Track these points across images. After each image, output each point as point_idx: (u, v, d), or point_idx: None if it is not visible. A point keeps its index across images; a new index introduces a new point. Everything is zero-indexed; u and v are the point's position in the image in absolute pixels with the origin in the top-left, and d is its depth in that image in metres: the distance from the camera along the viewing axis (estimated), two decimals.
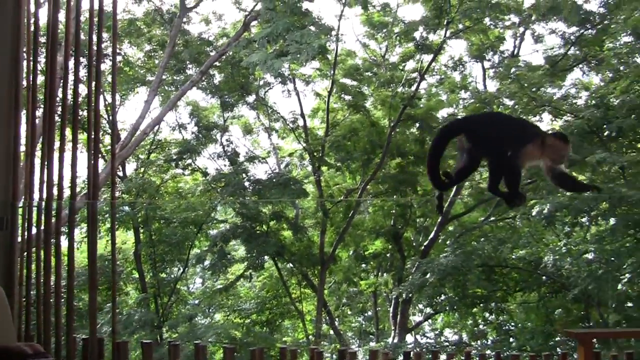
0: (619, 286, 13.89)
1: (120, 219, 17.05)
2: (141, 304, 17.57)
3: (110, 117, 16.49)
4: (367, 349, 4.99)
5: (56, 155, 5.70)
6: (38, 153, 5.81)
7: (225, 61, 19.02)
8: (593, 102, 16.00)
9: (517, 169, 4.56)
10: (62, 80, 6.45)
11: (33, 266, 5.71)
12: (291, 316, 20.42)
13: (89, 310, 5.98)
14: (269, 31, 16.39)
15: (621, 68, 16.24)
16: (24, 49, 5.73)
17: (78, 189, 5.84)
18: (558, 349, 15.62)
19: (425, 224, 19.96)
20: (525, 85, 16.52)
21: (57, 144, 5.72)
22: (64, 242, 5.94)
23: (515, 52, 18.98)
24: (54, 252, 5.76)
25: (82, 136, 11.48)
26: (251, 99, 19.88)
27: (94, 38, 5.96)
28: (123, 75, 18.72)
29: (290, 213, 19.18)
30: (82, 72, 6.88)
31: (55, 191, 5.67)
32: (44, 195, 5.68)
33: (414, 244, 19.82)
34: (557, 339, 16.03)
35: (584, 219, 15.34)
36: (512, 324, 18.54)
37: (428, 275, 15.59)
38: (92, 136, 5.84)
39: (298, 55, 16.19)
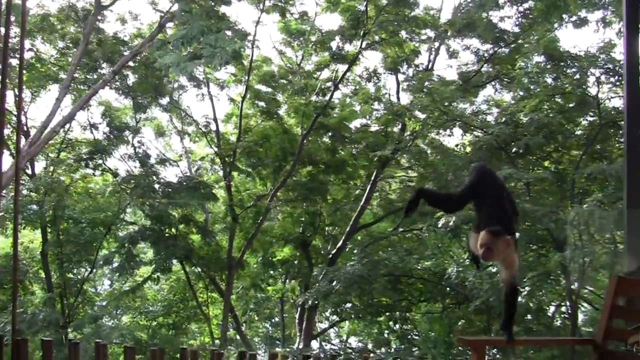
0: (519, 299, 14.18)
1: (27, 218, 16.89)
2: (46, 304, 17.36)
3: (16, 113, 16.28)
4: (269, 353, 5.05)
5: None
6: None
7: (139, 62, 18.87)
8: (503, 119, 16.31)
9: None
10: None
11: None
12: (198, 320, 20.41)
13: None
14: (184, 33, 16.27)
15: (531, 87, 16.54)
16: None
17: None
18: (458, 359, 15.93)
19: (333, 232, 20.10)
20: (438, 99, 16.75)
21: None
22: None
23: (430, 66, 19.23)
24: None
25: None
26: (165, 101, 19.76)
27: (1, 31, 5.94)
28: (35, 72, 18.49)
29: (200, 217, 19.17)
30: None
31: None
32: None
33: (322, 251, 19.94)
34: (460, 348, 16.28)
35: None
36: (416, 333, 18.77)
37: (334, 283, 15.72)
38: None
39: (212, 59, 16.14)
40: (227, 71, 19.29)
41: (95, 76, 18.73)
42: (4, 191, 16.16)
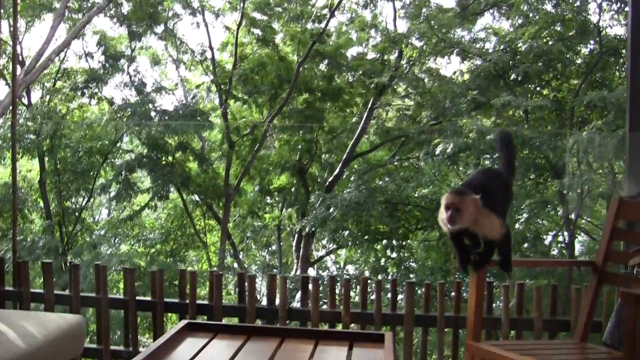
0: (517, 226, 14.24)
1: (25, 147, 16.88)
2: (45, 231, 17.45)
3: (12, 42, 16.20)
4: (268, 275, 5.09)
5: None
6: None
7: None
8: (501, 46, 16.22)
9: None
10: None
11: None
12: (195, 247, 20.48)
13: None
14: None
15: (531, 14, 16.42)
16: None
17: None
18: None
19: (330, 160, 20.09)
20: (435, 26, 16.65)
21: None
22: None
23: None
24: None
25: None
26: (160, 29, 19.61)
27: None
28: (29, 0, 18.34)
29: (196, 145, 19.15)
30: None
31: None
32: None
33: (319, 179, 19.94)
34: (456, 276, 16.37)
35: (487, 161, 15.60)
36: (413, 260, 18.83)
37: (331, 210, 15.75)
38: None
39: None
40: None
41: (89, 4, 18.58)
42: (0, 120, 16.17)
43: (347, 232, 17.59)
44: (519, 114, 16.05)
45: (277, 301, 5.58)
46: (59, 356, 4.13)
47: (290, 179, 19.77)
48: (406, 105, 19.43)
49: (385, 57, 18.82)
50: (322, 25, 18.66)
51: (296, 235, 18.64)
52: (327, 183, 18.46)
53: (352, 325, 5.43)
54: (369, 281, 5.88)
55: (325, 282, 12.73)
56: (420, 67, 18.01)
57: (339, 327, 5.39)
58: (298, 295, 14.92)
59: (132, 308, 5.69)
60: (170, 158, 18.02)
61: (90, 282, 12.76)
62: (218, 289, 5.59)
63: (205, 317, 5.59)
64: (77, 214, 18.74)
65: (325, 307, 5.69)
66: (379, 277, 18.12)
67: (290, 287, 14.94)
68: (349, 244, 18.66)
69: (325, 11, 18.88)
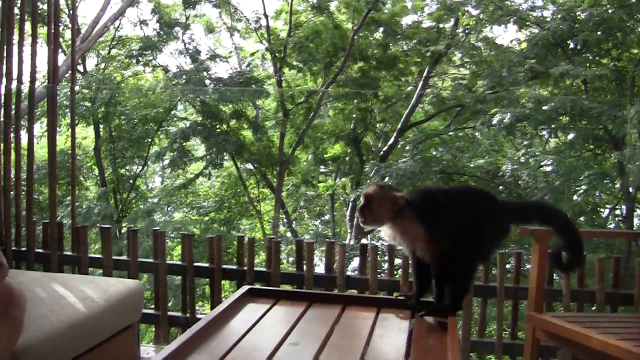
0: (575, 197, 14.05)
1: (80, 114, 16.95)
2: (100, 198, 17.57)
3: (70, 9, 16.25)
4: (326, 242, 5.06)
5: (15, 50, 5.68)
6: None
7: None
8: (560, 14, 15.96)
9: None
10: None
11: None
12: (249, 215, 20.49)
13: (49, 194, 6.03)
14: None
15: None
16: None
17: (38, 83, 5.80)
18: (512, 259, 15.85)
19: (385, 129, 20.00)
20: None
21: (16, 39, 5.69)
22: (24, 135, 5.95)
23: None
24: (14, 137, 5.77)
25: (42, 30, 11.41)
26: None
27: None
28: None
29: (251, 113, 19.14)
30: None
31: (15, 77, 5.66)
32: (4, 81, 5.67)
33: (373, 149, 19.86)
34: (512, 246, 16.22)
35: (543, 132, 15.42)
36: None
37: (386, 180, 15.65)
38: (52, 21, 5.78)
39: None
40: None
41: None
42: (57, 88, 16.25)
43: None
44: (577, 83, 15.80)
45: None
46: (119, 321, 4.15)
47: (345, 148, 19.70)
48: (462, 74, 19.26)
49: (441, 25, 18.63)
50: None
51: (350, 205, 18.58)
52: (382, 152, 18.35)
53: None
54: None
55: (383, 251, 12.64)
56: (477, 36, 17.82)
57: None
58: (352, 264, 14.91)
59: (190, 274, 5.70)
60: (224, 126, 18.01)
61: (144, 250, 12.83)
62: (276, 255, 5.56)
63: (262, 285, 5.56)
64: (131, 181, 18.85)
65: (383, 275, 5.63)
66: None
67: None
68: None
69: None
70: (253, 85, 17.60)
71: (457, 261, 3.39)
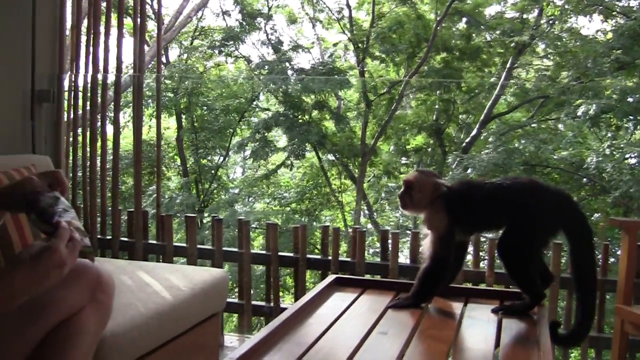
0: None
1: (163, 104, 17.12)
2: (183, 188, 17.73)
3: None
4: (412, 232, 4.99)
5: (102, 40, 5.74)
6: (83, 38, 5.83)
7: None
8: None
9: None
10: None
11: (80, 139, 5.78)
12: (331, 206, 20.49)
13: (135, 183, 6.07)
14: None
15: None
16: None
17: (124, 71, 5.85)
18: (596, 251, 15.62)
19: (467, 120, 19.87)
20: None
21: (102, 30, 5.75)
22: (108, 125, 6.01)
23: None
24: (100, 124, 5.82)
25: (127, 21, 11.52)
26: None
27: None
28: None
29: (333, 103, 19.14)
30: None
31: (101, 67, 5.71)
32: (90, 71, 5.71)
33: (456, 140, 19.74)
34: (595, 239, 15.98)
35: (629, 124, 15.20)
36: None
37: (469, 171, 15.55)
38: (138, 11, 5.82)
39: None
40: None
41: None
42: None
43: None
44: None
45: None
46: (204, 309, 4.15)
47: (427, 139, 19.59)
48: (545, 65, 19.04)
49: (525, 15, 18.45)
50: None
51: None
52: (464, 144, 18.24)
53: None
54: None
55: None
56: (561, 26, 17.61)
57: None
58: None
59: (275, 263, 5.69)
60: (306, 117, 18.03)
61: (225, 239, 12.89)
62: (361, 245, 5.52)
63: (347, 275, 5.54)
64: (213, 171, 18.98)
65: (468, 266, 5.55)
66: None
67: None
68: None
69: None
70: (335, 76, 17.59)
71: (436, 259, 3.36)
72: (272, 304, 5.73)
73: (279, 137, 19.43)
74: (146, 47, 16.30)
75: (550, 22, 17.70)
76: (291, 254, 5.72)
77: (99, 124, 5.79)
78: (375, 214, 20.36)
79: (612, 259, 8.50)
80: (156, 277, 4.13)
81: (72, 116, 5.75)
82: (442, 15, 18.02)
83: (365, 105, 18.74)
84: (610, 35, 16.75)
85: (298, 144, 17.52)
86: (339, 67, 19.09)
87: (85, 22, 5.85)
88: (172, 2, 18.45)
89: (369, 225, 19.49)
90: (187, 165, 18.90)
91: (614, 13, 16.60)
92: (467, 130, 19.26)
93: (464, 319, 3.24)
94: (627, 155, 14.44)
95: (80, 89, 5.75)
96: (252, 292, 6.02)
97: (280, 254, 5.72)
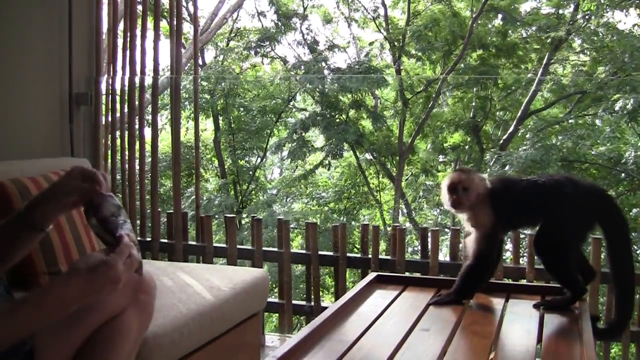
0: None
1: (200, 106, 17.18)
2: (221, 190, 17.78)
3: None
4: (451, 229, 4.99)
5: (138, 42, 5.76)
6: (119, 41, 5.86)
7: None
8: None
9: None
10: None
11: (118, 142, 5.81)
12: (369, 205, 20.48)
13: (174, 185, 6.10)
14: None
15: None
16: None
17: (160, 73, 5.87)
18: (635, 246, 15.52)
19: (504, 117, 19.79)
20: None
21: (138, 32, 5.78)
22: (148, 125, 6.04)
23: None
24: (138, 127, 5.85)
25: (162, 24, 11.56)
26: None
27: None
28: None
29: (370, 102, 19.13)
30: None
31: (138, 70, 5.73)
32: (127, 72, 5.74)
33: (493, 137, 19.66)
34: (634, 234, 15.90)
35: None
36: None
37: (507, 168, 15.49)
38: (175, 13, 5.84)
39: None
40: None
41: None
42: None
43: None
44: None
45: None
46: (245, 309, 4.18)
47: (464, 137, 19.53)
48: (582, 60, 18.94)
49: (561, 11, 18.35)
50: None
51: None
52: (502, 141, 18.15)
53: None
54: None
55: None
56: (598, 21, 17.50)
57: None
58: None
59: (315, 262, 5.70)
60: (343, 116, 18.02)
61: (264, 240, 12.92)
62: (401, 243, 5.52)
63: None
64: (251, 172, 19.02)
65: (508, 262, 5.53)
66: None
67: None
68: None
69: None
70: (372, 75, 17.57)
71: (479, 257, 3.37)
72: (312, 303, 5.74)
73: (316, 137, 19.43)
74: (182, 50, 16.38)
75: (587, 17, 17.58)
76: (331, 253, 5.73)
77: (137, 126, 5.82)
78: (413, 212, 20.33)
79: None
80: (197, 277, 4.16)
81: (109, 119, 5.79)
82: (478, 12, 17.96)
83: (402, 103, 18.71)
84: None
85: (335, 143, 17.50)
86: (375, 66, 19.03)
87: (121, 25, 5.87)
88: (208, 4, 18.45)
89: (407, 224, 19.46)
90: (225, 167, 18.94)
91: None
92: (504, 127, 19.18)
93: (506, 315, 3.24)
94: None
95: (118, 91, 5.78)
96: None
97: (320, 252, 5.72)
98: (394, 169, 19.12)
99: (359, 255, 5.73)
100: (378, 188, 20.39)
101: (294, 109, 19.53)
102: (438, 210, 21.72)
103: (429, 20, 18.27)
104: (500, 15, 18.66)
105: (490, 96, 18.86)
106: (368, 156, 19.65)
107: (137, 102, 5.76)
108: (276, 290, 6.01)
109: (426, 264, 5.46)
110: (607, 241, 3.41)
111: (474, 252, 3.35)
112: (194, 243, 5.99)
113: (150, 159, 5.89)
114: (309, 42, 19.34)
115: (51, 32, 5.19)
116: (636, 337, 5.16)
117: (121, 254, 2.15)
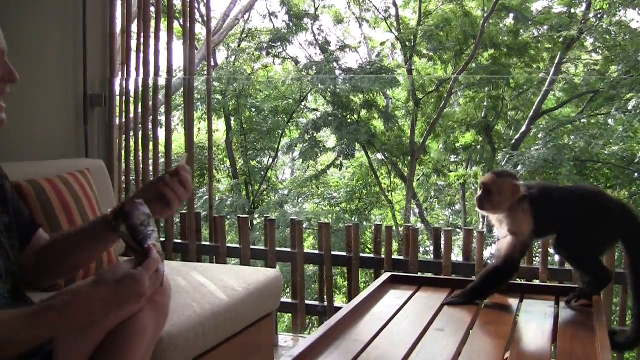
0: None
1: (212, 107, 17.21)
2: (233, 190, 17.80)
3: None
4: (464, 229, 5.00)
5: (152, 43, 5.77)
6: (133, 43, 5.87)
7: None
8: None
9: None
10: None
11: (132, 142, 5.83)
12: (380, 206, 20.47)
13: None
14: None
15: None
16: None
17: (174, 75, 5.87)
18: None
19: (516, 117, 19.76)
20: None
21: (152, 34, 5.79)
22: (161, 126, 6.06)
23: None
24: (152, 128, 5.87)
25: (174, 25, 11.60)
26: None
27: None
28: None
29: (381, 102, 19.12)
30: None
31: (152, 71, 5.75)
32: (141, 74, 5.76)
33: (505, 137, 19.64)
34: None
35: None
36: None
37: (519, 168, 15.48)
38: (188, 15, 5.85)
39: None
40: None
41: None
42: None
43: None
44: None
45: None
46: (258, 309, 4.19)
47: (476, 137, 19.50)
48: (594, 60, 18.91)
49: (573, 10, 18.31)
50: None
51: None
52: (514, 140, 18.13)
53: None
54: None
55: None
56: (610, 20, 17.47)
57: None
58: (485, 253, 14.73)
59: (328, 263, 5.72)
60: (355, 116, 18.02)
61: (276, 240, 12.94)
62: (414, 243, 5.53)
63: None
64: (262, 173, 19.04)
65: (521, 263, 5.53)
66: None
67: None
68: None
69: None
70: (383, 75, 17.57)
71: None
72: (325, 303, 5.76)
73: (328, 138, 19.44)
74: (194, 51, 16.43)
75: (599, 15, 17.56)
76: (344, 254, 5.75)
77: (150, 126, 5.84)
78: (424, 212, 20.33)
79: None
80: (211, 278, 4.18)
81: (123, 120, 5.80)
82: (489, 11, 17.93)
83: (413, 103, 18.70)
84: None
85: (347, 143, 17.50)
86: (387, 66, 19.05)
87: (134, 27, 5.90)
88: (219, 5, 18.49)
89: (419, 224, 19.45)
90: (237, 167, 18.97)
91: None
92: (516, 126, 19.15)
93: (521, 315, 3.25)
94: None
95: (131, 92, 5.80)
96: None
97: (333, 253, 5.74)
98: (406, 169, 19.11)
99: (372, 256, 5.74)
100: (389, 188, 20.39)
101: (306, 110, 19.55)
102: (450, 211, 21.73)
103: (441, 20, 18.26)
104: (511, 15, 18.65)
105: (502, 96, 18.83)
106: (380, 156, 19.65)
107: (150, 103, 5.78)
108: (287, 290, 6.03)
109: (439, 264, 5.47)
110: (630, 259, 3.42)
111: (505, 256, 3.35)
112: (207, 243, 6.01)
113: (163, 160, 5.91)
114: (320, 42, 19.35)
115: (66, 34, 5.21)
116: None
117: (148, 269, 2.18)
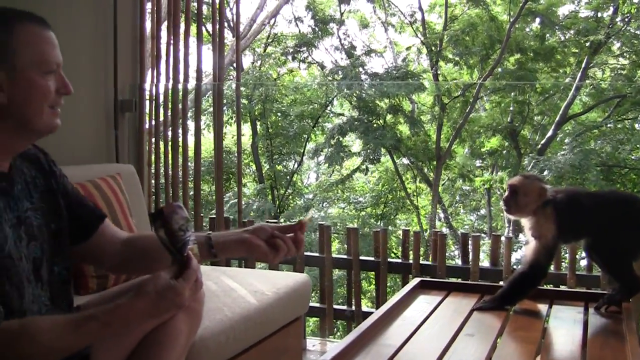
0: None
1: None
2: (259, 195, 17.84)
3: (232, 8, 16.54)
4: (490, 235, 4.98)
5: (181, 48, 5.81)
6: (162, 48, 5.90)
7: None
8: None
9: None
10: None
11: (161, 147, 5.86)
12: (406, 210, 20.46)
13: (216, 189, 6.12)
14: None
15: None
16: None
17: (203, 80, 5.91)
18: None
19: (542, 122, 19.71)
20: None
21: (181, 39, 5.82)
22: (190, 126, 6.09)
23: None
24: (181, 132, 5.90)
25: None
26: None
27: None
28: None
29: (407, 107, 19.12)
30: None
31: (181, 76, 5.78)
32: (170, 79, 5.80)
33: (531, 142, 19.59)
34: None
35: None
36: None
37: (545, 173, 15.44)
38: (217, 20, 5.89)
39: None
40: None
41: None
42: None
43: None
44: None
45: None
46: (288, 313, 4.20)
47: (502, 142, 19.46)
48: (621, 64, 18.85)
49: (600, 14, 18.26)
50: None
51: None
52: (540, 145, 18.09)
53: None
54: None
55: None
56: (637, 24, 17.41)
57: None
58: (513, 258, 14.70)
59: (356, 267, 5.73)
60: (381, 121, 18.02)
61: (307, 243, 12.95)
62: (442, 248, 5.53)
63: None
64: (288, 177, 19.07)
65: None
66: None
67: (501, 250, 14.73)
68: None
69: None
70: (409, 80, 17.56)
71: (535, 265, 3.38)
72: (353, 308, 5.77)
73: (353, 142, 19.46)
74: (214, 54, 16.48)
75: (626, 20, 17.50)
76: (372, 258, 5.76)
77: (180, 131, 5.88)
78: (450, 217, 20.31)
79: None
80: (241, 282, 4.20)
81: (153, 124, 5.84)
82: (516, 16, 17.90)
83: (439, 108, 18.69)
84: None
85: (373, 148, 17.51)
86: (412, 70, 19.03)
87: (163, 32, 5.93)
88: (246, 10, 18.51)
89: (444, 229, 19.43)
90: (263, 172, 19.02)
91: None
92: (542, 131, 19.11)
93: (550, 320, 3.26)
94: None
95: (161, 98, 5.83)
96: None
97: (361, 257, 5.76)
98: (431, 174, 19.10)
99: (400, 261, 5.75)
100: (415, 193, 20.37)
101: (331, 114, 19.57)
102: (475, 216, 21.69)
103: (466, 25, 18.24)
104: (538, 19, 18.62)
105: (528, 100, 18.79)
106: (405, 161, 19.64)
107: (180, 108, 5.81)
108: (314, 294, 6.04)
109: (467, 270, 5.47)
110: None
111: (530, 261, 3.35)
112: None
113: (192, 164, 5.94)
114: (346, 47, 19.37)
115: (97, 41, 5.25)
116: None
117: (189, 280, 2.22)
